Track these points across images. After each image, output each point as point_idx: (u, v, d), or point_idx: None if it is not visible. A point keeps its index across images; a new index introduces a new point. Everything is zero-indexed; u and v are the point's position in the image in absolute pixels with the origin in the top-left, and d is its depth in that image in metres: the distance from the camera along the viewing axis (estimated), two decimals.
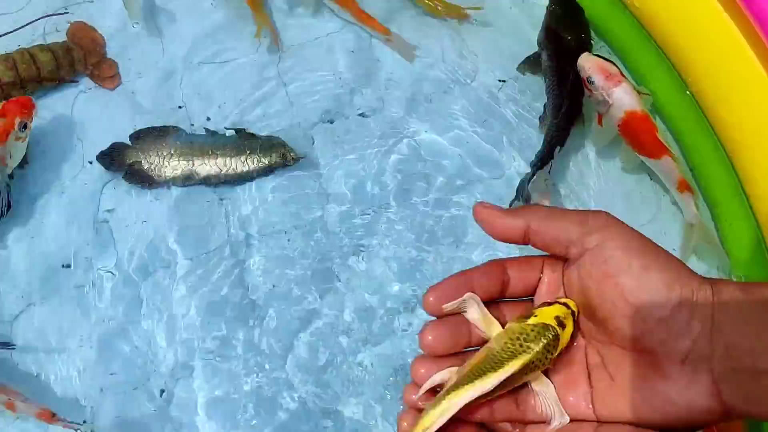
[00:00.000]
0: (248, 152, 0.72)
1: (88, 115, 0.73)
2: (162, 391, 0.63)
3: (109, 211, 0.69)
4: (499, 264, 0.40)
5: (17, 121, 0.65)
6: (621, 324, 0.36)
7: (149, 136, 0.72)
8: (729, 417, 0.36)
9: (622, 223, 0.38)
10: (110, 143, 0.71)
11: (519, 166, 0.75)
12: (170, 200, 0.70)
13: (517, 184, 0.72)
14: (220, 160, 0.72)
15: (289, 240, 0.70)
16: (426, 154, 0.75)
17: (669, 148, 0.70)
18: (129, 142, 0.72)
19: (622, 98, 0.70)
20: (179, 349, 0.65)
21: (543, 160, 0.71)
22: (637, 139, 0.71)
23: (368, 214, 0.72)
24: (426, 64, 0.79)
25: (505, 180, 0.75)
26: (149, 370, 0.64)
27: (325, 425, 0.63)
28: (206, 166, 0.71)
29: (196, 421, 0.63)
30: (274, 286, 0.68)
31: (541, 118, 0.76)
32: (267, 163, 0.72)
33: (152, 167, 0.71)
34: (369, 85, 0.78)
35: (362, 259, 0.70)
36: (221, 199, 0.72)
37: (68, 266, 0.67)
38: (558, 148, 0.71)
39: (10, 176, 0.67)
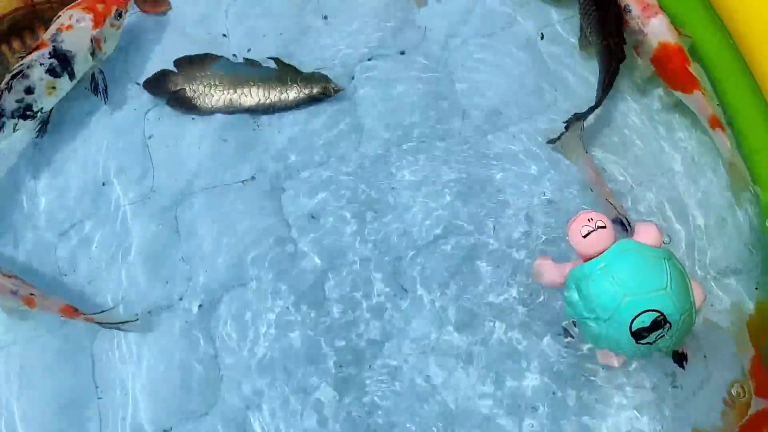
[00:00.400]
0: (289, 83, 0.74)
1: (136, 39, 0.75)
2: (200, 306, 0.67)
3: (149, 137, 0.72)
4: None
5: (114, 8, 0.71)
6: None
7: (193, 64, 0.74)
8: None
9: None
10: (158, 69, 0.73)
11: (557, 106, 0.76)
12: (210, 128, 0.73)
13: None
14: (261, 91, 0.73)
15: (324, 170, 0.73)
16: (463, 92, 0.77)
17: (700, 83, 0.71)
18: (174, 69, 0.74)
19: (657, 29, 0.72)
20: (217, 268, 0.68)
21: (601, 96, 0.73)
22: (669, 71, 0.72)
23: (404, 146, 0.74)
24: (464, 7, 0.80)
25: (541, 119, 0.76)
26: (185, 287, 0.67)
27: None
28: (248, 96, 0.73)
29: (224, 333, 0.66)
30: (312, 216, 0.71)
31: (579, 39, 0.78)
32: (307, 94, 0.74)
33: (196, 95, 0.73)
34: (407, 26, 0.79)
35: (396, 189, 0.73)
36: (259, 127, 0.74)
37: (105, 184, 0.70)
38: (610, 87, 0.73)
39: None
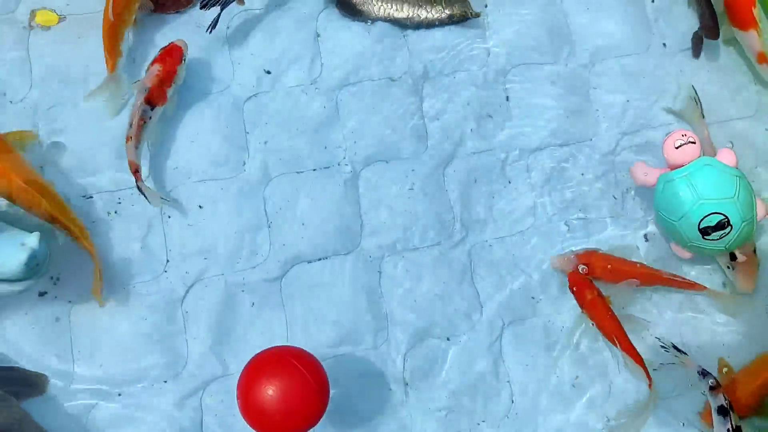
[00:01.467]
0: (435, 3, 0.89)
1: None
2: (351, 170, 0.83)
3: (318, 36, 0.87)
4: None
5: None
6: None
7: None
8: None
9: None
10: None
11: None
12: (369, 33, 0.88)
13: None
14: (412, 7, 0.89)
15: (455, 79, 0.88)
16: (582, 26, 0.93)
17: (758, 24, 0.88)
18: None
19: None
20: (367, 143, 0.84)
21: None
22: (736, 8, 0.88)
23: (520, 67, 0.89)
24: None
25: None
26: (343, 154, 0.84)
27: None
28: (400, 11, 0.89)
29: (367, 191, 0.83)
30: (442, 118, 0.87)
31: None
32: (449, 13, 0.89)
33: (361, 2, 0.88)
34: None
35: (514, 104, 0.88)
36: (404, 36, 0.89)
37: (276, 72, 0.85)
38: None
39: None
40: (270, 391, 0.60)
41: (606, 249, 0.84)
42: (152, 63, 0.79)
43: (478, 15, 0.90)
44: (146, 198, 0.74)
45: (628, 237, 0.86)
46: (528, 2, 0.92)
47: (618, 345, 0.78)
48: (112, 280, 0.75)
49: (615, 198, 0.87)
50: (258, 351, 0.67)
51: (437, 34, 0.90)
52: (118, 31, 0.79)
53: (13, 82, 0.79)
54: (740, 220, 0.77)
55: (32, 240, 0.66)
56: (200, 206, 0.79)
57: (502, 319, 0.80)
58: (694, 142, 0.79)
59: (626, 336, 0.78)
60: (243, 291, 0.77)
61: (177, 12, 0.85)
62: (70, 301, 0.74)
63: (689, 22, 0.92)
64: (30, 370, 0.72)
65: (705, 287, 0.82)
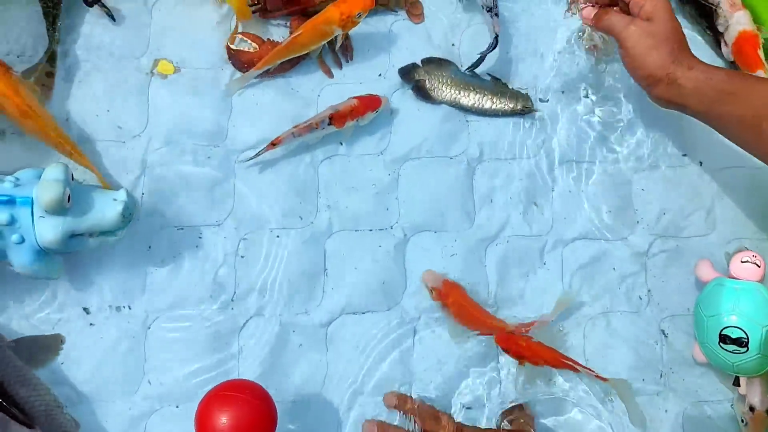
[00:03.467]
0: (499, 95, 0.99)
1: (397, 37, 1.02)
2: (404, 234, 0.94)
3: (392, 111, 0.98)
4: None
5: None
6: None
7: (434, 64, 1.00)
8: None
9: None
10: (410, 62, 1.00)
11: None
12: (436, 115, 0.99)
13: None
14: (477, 96, 0.99)
15: (508, 165, 0.98)
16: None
17: (765, 64, 0.96)
18: (420, 64, 1.00)
19: (740, 20, 0.98)
20: (416, 212, 0.95)
21: None
22: (743, 51, 0.97)
23: (570, 163, 0.99)
24: None
25: None
26: (394, 220, 0.95)
27: None
28: (467, 98, 0.99)
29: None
30: (492, 200, 0.96)
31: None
32: (511, 107, 0.99)
33: (432, 87, 0.99)
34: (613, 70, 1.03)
35: (558, 195, 0.97)
36: (467, 121, 1.00)
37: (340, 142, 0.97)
38: None
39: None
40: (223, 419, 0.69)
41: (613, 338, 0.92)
42: (354, 97, 0.94)
43: (536, 111, 0.99)
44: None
45: (645, 333, 0.93)
46: (582, 106, 1.01)
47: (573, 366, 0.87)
48: (183, 304, 0.88)
49: (641, 298, 0.95)
50: (297, 387, 0.77)
51: (498, 122, 1.00)
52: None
53: (130, 122, 0.93)
54: (758, 347, 0.83)
55: (122, 194, 0.79)
56: (268, 250, 0.91)
57: None
58: (758, 265, 0.88)
59: (567, 358, 0.88)
60: (294, 331, 0.88)
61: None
62: (144, 322, 0.87)
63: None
64: (42, 335, 0.84)
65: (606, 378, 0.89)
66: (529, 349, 0.87)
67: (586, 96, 1.02)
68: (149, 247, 0.88)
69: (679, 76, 0.83)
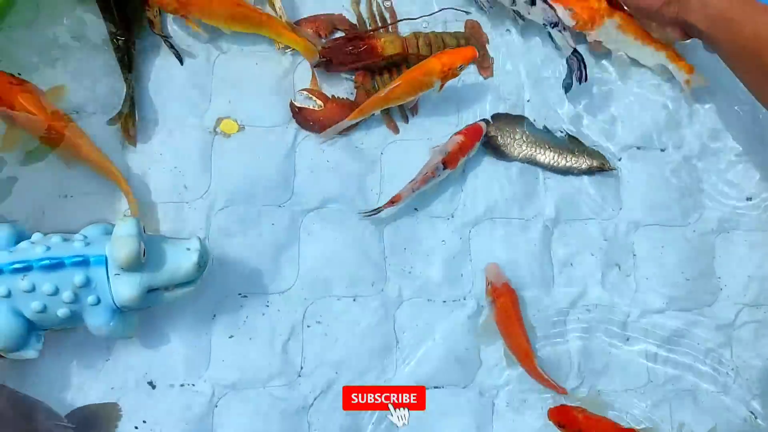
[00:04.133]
0: (576, 153, 0.94)
1: (465, 91, 0.98)
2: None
3: (464, 170, 0.94)
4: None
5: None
6: None
7: (505, 119, 0.96)
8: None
9: None
10: (478, 118, 0.95)
11: None
12: (511, 171, 0.94)
13: None
14: (554, 154, 0.94)
15: (585, 226, 0.93)
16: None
17: None
18: (489, 120, 0.96)
19: None
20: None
21: None
22: None
23: (650, 227, 0.94)
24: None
25: None
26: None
27: None
28: (542, 155, 0.94)
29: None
30: (571, 263, 0.91)
31: None
32: (588, 166, 0.94)
33: (504, 144, 0.95)
34: (692, 122, 0.99)
35: (640, 260, 0.92)
36: (545, 180, 0.95)
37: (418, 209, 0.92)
38: None
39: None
40: None
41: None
42: (456, 134, 0.91)
43: (613, 169, 0.95)
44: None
45: (732, 413, 0.87)
46: (661, 162, 0.97)
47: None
48: (253, 382, 0.83)
49: (728, 374, 0.89)
50: None
51: (573, 181, 0.95)
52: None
53: (196, 180, 0.89)
54: None
55: (195, 243, 0.75)
56: (337, 319, 0.86)
57: None
58: None
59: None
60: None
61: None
62: (211, 401, 0.82)
63: None
64: (96, 404, 0.79)
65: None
66: (588, 424, 0.80)
67: (663, 150, 0.98)
68: (213, 316, 0.84)
69: None
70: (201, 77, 0.92)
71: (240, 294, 0.85)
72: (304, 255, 0.88)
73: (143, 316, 0.80)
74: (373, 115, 0.93)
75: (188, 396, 0.81)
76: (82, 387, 0.80)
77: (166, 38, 0.92)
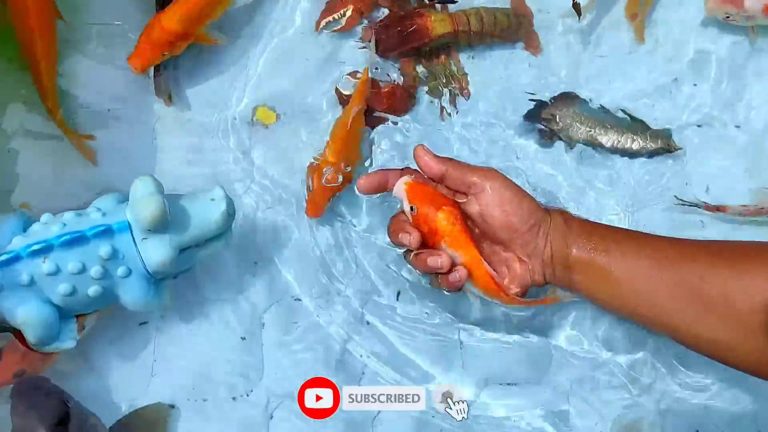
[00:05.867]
0: (639, 133, 0.88)
1: (514, 69, 0.91)
2: None
3: (518, 157, 0.88)
4: (408, 171, 0.69)
5: None
6: (499, 233, 0.66)
7: (562, 100, 0.89)
8: (545, 284, 0.69)
9: (505, 176, 0.67)
10: (536, 102, 0.89)
11: None
12: (572, 157, 0.88)
13: None
14: (615, 134, 0.88)
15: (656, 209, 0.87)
16: None
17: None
18: (547, 101, 0.90)
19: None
20: None
21: None
22: None
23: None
24: None
25: None
26: None
27: None
28: (603, 136, 0.88)
29: None
30: None
31: None
32: (653, 147, 0.88)
33: (562, 126, 0.88)
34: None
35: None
36: (612, 161, 0.89)
37: None
38: None
39: None
40: None
41: None
42: None
43: (679, 148, 0.89)
44: None
45: None
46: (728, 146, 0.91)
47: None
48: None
49: None
50: None
51: (637, 162, 0.89)
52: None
53: (236, 169, 0.83)
54: None
55: (219, 192, 0.69)
56: None
57: None
58: None
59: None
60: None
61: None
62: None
63: None
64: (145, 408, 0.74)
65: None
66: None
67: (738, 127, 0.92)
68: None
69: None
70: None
71: (293, 297, 0.79)
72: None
73: None
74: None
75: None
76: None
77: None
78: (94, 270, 0.64)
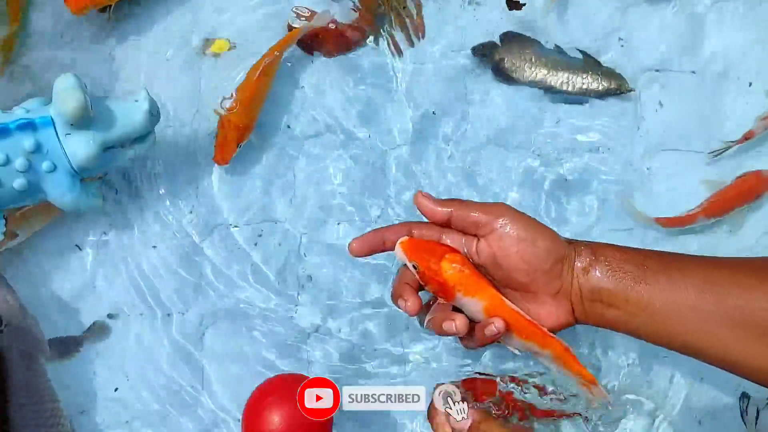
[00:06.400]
0: (590, 73, 0.88)
1: (476, 11, 0.90)
2: None
3: (469, 92, 0.89)
4: (406, 225, 0.62)
5: None
6: (517, 276, 0.58)
7: (515, 41, 0.89)
8: (576, 324, 0.60)
9: (515, 209, 0.59)
10: (487, 41, 0.89)
11: None
12: (519, 96, 0.89)
13: None
14: (566, 75, 0.88)
15: (603, 157, 0.88)
16: None
17: None
18: (498, 42, 0.89)
19: None
20: None
21: None
22: None
23: (668, 152, 0.88)
24: None
25: None
26: None
27: None
28: (554, 77, 0.88)
29: None
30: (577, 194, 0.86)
31: None
32: (605, 86, 0.88)
33: (513, 68, 0.88)
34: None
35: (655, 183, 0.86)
36: (553, 103, 0.89)
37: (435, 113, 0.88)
38: None
39: None
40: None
41: None
42: None
43: (630, 91, 0.88)
44: None
45: None
46: (689, 92, 0.90)
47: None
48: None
49: None
50: None
51: (586, 107, 0.89)
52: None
53: (182, 104, 0.85)
54: None
55: (143, 93, 0.70)
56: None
57: None
58: None
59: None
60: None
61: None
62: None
63: None
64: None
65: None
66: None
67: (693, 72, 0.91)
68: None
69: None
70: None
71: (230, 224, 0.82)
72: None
73: None
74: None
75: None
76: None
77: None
78: (19, 162, 0.65)
